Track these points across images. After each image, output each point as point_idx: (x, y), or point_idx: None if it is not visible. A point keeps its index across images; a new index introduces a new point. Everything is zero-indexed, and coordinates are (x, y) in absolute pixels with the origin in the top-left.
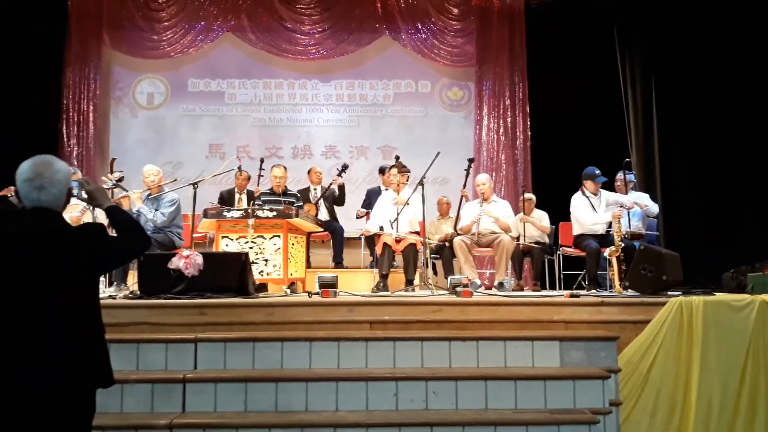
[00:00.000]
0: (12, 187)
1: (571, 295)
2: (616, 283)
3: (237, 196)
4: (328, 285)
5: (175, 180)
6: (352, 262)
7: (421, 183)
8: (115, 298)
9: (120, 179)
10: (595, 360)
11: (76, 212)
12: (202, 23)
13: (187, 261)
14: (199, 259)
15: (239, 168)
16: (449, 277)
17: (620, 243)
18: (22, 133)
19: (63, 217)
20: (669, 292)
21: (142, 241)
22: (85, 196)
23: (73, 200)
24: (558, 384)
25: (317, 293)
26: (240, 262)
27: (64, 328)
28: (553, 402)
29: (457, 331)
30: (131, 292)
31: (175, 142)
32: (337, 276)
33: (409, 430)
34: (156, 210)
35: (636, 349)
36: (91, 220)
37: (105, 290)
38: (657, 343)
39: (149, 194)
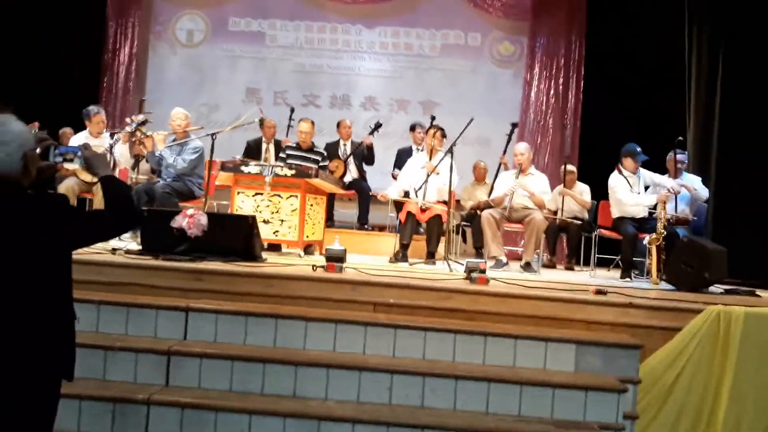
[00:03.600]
0: (36, 123)
1: (597, 292)
2: (654, 273)
3: (264, 146)
4: (335, 258)
5: (202, 127)
6: (379, 220)
7: (450, 151)
8: (114, 253)
9: (143, 122)
10: (613, 368)
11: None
12: None
13: (190, 220)
14: (204, 220)
15: (260, 121)
16: (466, 261)
17: (662, 231)
18: (64, 64)
19: (19, 186)
20: (710, 289)
21: (131, 221)
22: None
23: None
24: (568, 393)
25: (323, 267)
26: (247, 226)
27: (22, 315)
28: (561, 412)
29: (465, 321)
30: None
31: (213, 83)
32: (345, 249)
33: (399, 430)
34: (178, 156)
35: (662, 358)
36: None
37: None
38: (687, 354)
39: (174, 139)
